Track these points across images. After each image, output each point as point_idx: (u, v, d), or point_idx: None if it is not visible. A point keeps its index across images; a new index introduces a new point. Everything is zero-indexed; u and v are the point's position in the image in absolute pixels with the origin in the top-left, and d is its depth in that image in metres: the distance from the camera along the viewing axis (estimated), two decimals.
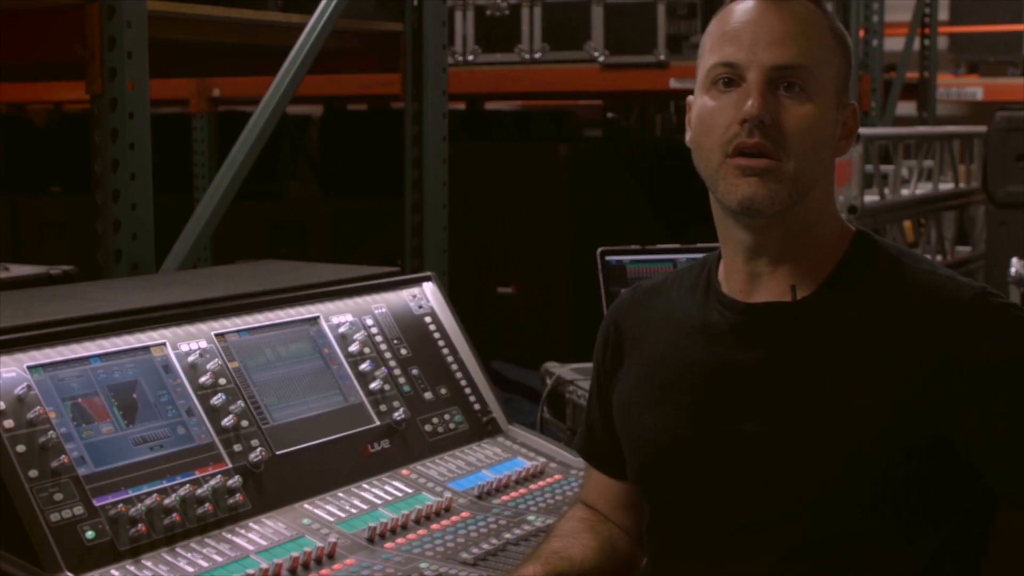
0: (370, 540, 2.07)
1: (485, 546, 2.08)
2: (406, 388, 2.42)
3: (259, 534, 2.01)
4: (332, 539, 2.02)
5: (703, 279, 1.85)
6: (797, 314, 1.72)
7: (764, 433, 1.71)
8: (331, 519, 2.10)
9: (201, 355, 2.15)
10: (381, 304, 2.51)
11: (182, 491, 1.98)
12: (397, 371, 2.42)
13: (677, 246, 3.06)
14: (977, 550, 1.73)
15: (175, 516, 1.95)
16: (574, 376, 3.23)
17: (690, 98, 1.79)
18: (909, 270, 1.73)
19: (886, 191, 5.36)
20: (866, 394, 1.66)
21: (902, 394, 1.65)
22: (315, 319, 2.37)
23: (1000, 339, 1.65)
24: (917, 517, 1.68)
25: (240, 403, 2.14)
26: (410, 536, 2.10)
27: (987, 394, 1.63)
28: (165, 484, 1.97)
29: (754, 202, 1.69)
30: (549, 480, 2.39)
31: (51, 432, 1.89)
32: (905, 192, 5.55)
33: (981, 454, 1.65)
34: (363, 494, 2.19)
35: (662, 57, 5.83)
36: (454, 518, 2.19)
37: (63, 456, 1.88)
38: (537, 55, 6.05)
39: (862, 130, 5.08)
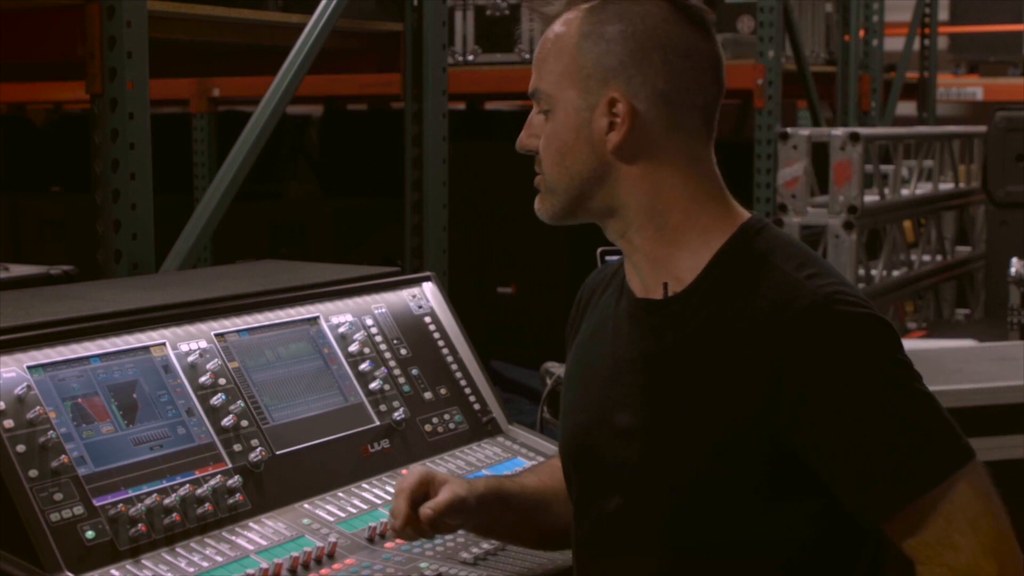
0: (370, 540, 2.07)
1: (485, 546, 2.08)
2: (406, 388, 2.42)
3: (259, 534, 2.01)
4: (332, 539, 2.02)
5: None
6: (669, 311, 1.71)
7: (632, 426, 1.72)
8: (331, 519, 2.10)
9: (201, 355, 2.15)
10: (381, 304, 2.51)
11: (182, 491, 1.98)
12: (397, 371, 2.43)
13: None
14: (842, 562, 1.69)
15: (175, 516, 1.95)
16: None
17: None
18: (769, 270, 1.67)
19: (886, 191, 5.36)
20: (711, 400, 1.64)
21: (742, 406, 1.62)
22: (315, 319, 2.37)
23: (825, 350, 1.59)
24: (768, 524, 1.65)
25: (240, 403, 2.14)
26: None
27: (813, 410, 1.59)
28: (165, 484, 1.97)
29: (538, 215, 1.80)
30: None
31: (51, 432, 1.89)
32: (905, 192, 5.54)
33: (820, 467, 1.61)
34: (363, 494, 2.19)
35: None
36: None
37: (63, 456, 1.88)
38: None
39: (862, 130, 5.08)
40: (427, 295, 2.60)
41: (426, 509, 1.85)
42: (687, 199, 1.72)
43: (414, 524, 1.86)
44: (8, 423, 1.86)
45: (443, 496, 1.86)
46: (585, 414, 1.81)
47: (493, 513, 1.93)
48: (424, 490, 1.88)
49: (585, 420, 1.81)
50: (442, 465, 2.35)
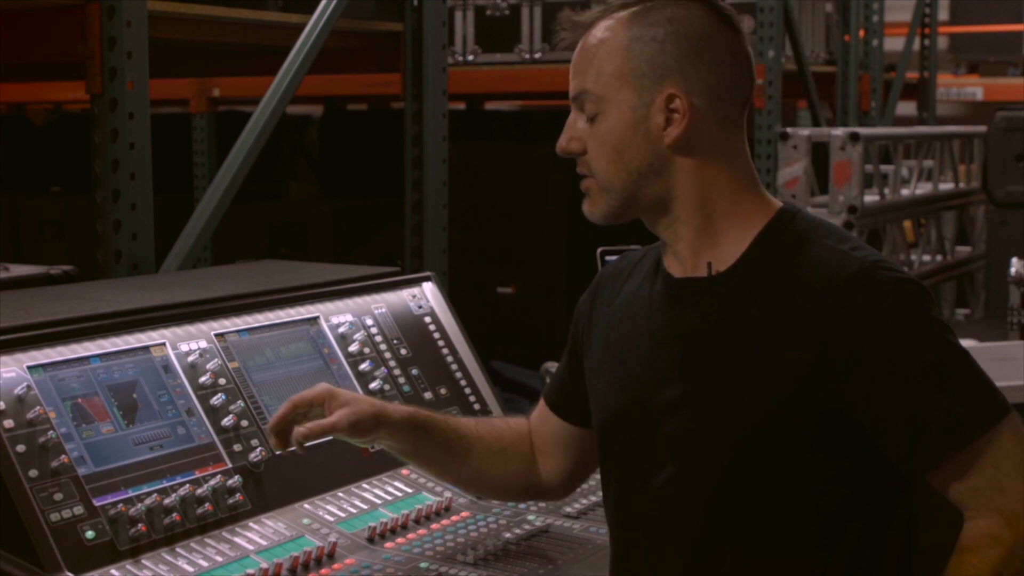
0: (370, 540, 2.07)
1: (485, 546, 2.08)
2: (406, 388, 2.42)
3: (259, 534, 2.01)
4: (332, 539, 2.02)
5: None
6: (713, 289, 1.79)
7: (679, 398, 1.78)
8: (331, 519, 2.10)
9: (201, 355, 2.15)
10: (381, 304, 2.51)
11: (182, 491, 1.98)
12: (397, 371, 2.43)
13: None
14: (890, 532, 1.76)
15: (175, 516, 1.95)
16: None
17: None
18: (811, 245, 1.77)
19: (886, 191, 5.35)
20: (763, 369, 1.72)
21: (792, 370, 1.70)
22: (315, 319, 2.37)
23: (877, 313, 1.69)
24: (819, 491, 1.72)
25: (240, 403, 2.14)
26: (410, 536, 2.11)
27: (866, 369, 1.68)
28: (165, 484, 1.97)
29: (589, 217, 1.85)
30: None
31: (51, 432, 1.89)
32: (905, 192, 5.54)
33: (870, 422, 1.70)
34: (363, 494, 2.19)
35: None
36: (454, 518, 2.19)
37: (63, 456, 1.88)
38: (537, 55, 6.05)
39: (862, 130, 5.08)
40: (427, 295, 2.60)
41: (301, 428, 1.88)
42: (733, 189, 1.82)
43: (284, 432, 1.90)
44: (8, 423, 1.86)
45: (325, 421, 1.90)
46: (626, 393, 1.85)
47: (409, 441, 1.98)
48: (319, 406, 1.92)
49: (627, 399, 1.85)
50: None
